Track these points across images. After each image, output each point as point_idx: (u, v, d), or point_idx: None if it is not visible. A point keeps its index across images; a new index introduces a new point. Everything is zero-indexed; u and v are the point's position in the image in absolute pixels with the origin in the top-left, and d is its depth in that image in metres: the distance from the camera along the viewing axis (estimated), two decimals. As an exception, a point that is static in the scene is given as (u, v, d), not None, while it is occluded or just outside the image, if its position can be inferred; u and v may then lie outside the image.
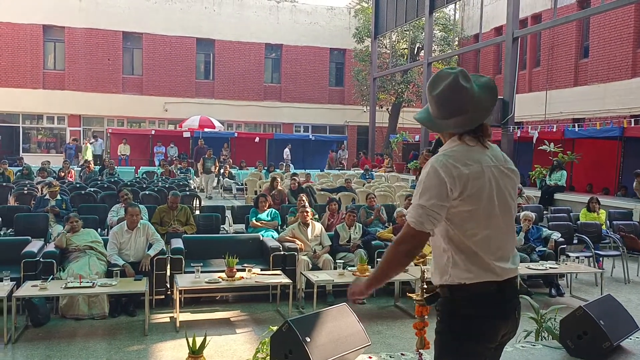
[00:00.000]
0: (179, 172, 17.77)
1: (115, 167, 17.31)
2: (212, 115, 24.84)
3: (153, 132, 24.41)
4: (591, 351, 4.13)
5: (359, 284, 2.34)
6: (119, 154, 22.68)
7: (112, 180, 13.58)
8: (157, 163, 21.03)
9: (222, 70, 28.04)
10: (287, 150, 24.10)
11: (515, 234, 2.29)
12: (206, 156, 17.70)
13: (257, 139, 24.97)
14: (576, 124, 16.09)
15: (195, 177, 18.71)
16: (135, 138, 24.06)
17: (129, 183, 12.75)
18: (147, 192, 10.95)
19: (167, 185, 12.65)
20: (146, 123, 27.45)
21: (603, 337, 4.18)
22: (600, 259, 8.52)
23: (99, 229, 7.91)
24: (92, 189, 11.08)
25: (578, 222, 9.41)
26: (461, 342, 2.14)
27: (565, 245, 7.95)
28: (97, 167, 17.14)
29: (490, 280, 2.13)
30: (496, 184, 2.14)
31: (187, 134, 23.52)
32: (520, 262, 7.40)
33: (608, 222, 9.86)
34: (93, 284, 5.55)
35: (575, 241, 8.87)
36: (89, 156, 20.78)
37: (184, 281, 5.93)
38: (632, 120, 14.25)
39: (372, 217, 8.88)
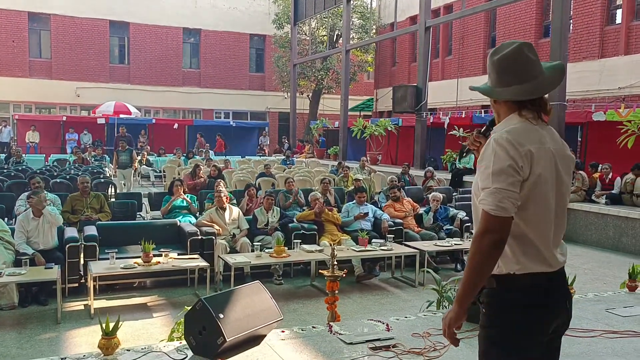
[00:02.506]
0: (93, 159, 17.13)
1: (23, 155, 16.42)
2: (127, 101, 23.99)
3: (64, 118, 23.29)
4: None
5: (447, 312, 2.05)
6: (27, 141, 21.49)
7: (20, 168, 12.93)
8: (69, 150, 20.10)
9: (138, 55, 27.15)
10: (262, 138, 24.96)
11: (565, 222, 2.12)
12: (120, 149, 14.28)
13: (176, 126, 24.48)
14: (483, 111, 17.02)
15: (110, 164, 18.04)
16: (44, 125, 22.83)
17: (38, 171, 12.19)
18: (58, 180, 10.56)
19: (80, 173, 12.18)
20: (56, 109, 26.15)
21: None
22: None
23: (6, 219, 7.58)
24: (-3, 178, 10.54)
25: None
26: (509, 337, 2.01)
27: (470, 224, 8.43)
28: (3, 155, 16.21)
29: (541, 272, 2.01)
30: (555, 167, 2.03)
31: (101, 121, 22.61)
32: (429, 239, 7.88)
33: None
34: (1, 273, 5.38)
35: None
36: None
37: (98, 268, 5.87)
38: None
39: (291, 200, 9.08)
